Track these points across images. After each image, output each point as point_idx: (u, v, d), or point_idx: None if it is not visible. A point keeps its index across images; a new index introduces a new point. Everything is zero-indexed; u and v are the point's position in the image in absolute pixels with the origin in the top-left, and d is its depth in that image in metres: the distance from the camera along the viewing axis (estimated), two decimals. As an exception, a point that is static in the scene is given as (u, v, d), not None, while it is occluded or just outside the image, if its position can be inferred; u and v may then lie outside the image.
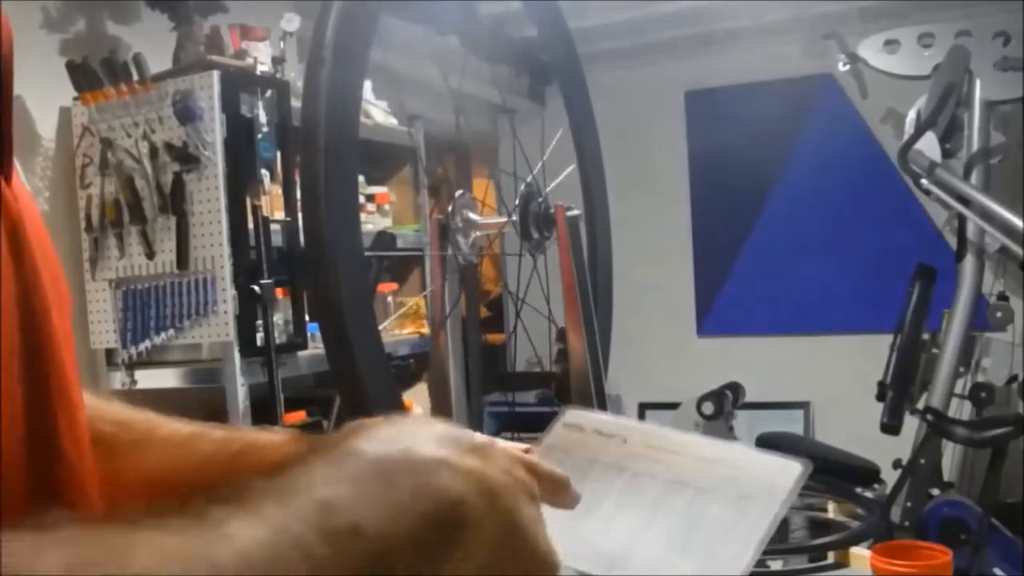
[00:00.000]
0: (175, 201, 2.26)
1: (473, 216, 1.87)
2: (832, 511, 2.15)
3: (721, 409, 2.52)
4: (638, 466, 0.57)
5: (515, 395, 3.42)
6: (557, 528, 0.47)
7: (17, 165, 0.50)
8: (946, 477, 2.69)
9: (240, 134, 2.26)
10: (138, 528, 0.32)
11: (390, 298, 2.99)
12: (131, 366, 2.31)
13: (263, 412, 2.29)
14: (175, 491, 0.37)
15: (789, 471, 0.56)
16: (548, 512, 0.48)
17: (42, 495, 0.39)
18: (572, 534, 0.52)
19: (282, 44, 2.54)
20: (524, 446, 0.62)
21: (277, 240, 2.36)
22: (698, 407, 2.54)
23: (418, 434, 0.41)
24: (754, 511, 0.53)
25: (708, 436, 0.60)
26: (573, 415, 0.63)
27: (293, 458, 0.38)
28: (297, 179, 1.91)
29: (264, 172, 2.32)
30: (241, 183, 2.26)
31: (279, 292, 2.36)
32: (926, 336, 2.86)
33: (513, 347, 1.97)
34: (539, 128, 2.06)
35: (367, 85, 2.77)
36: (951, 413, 2.75)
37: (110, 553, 0.31)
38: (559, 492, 0.52)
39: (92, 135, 2.33)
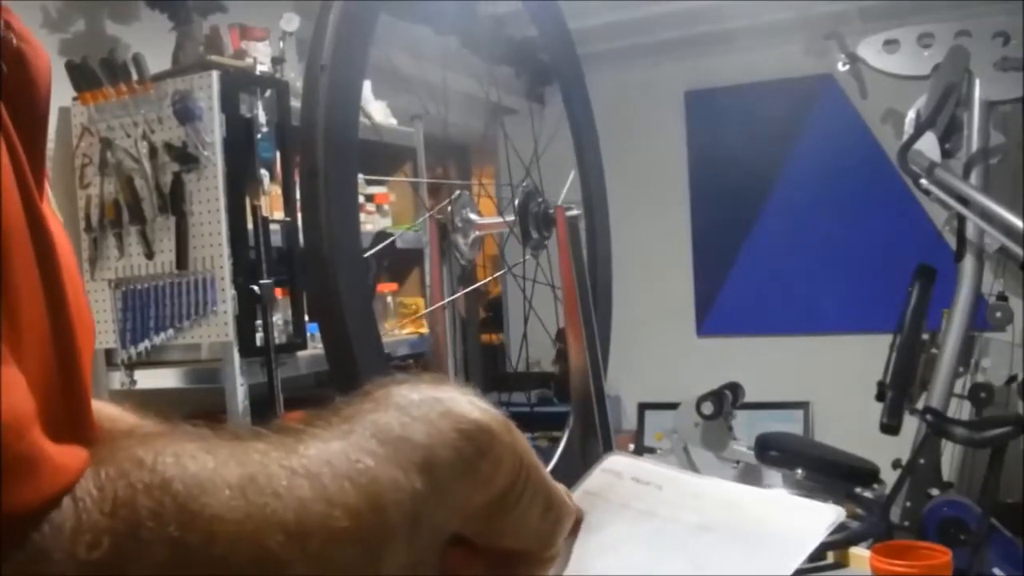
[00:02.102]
0: (174, 201, 2.26)
1: (472, 216, 1.87)
2: (832, 511, 2.14)
3: (721, 409, 2.52)
4: (668, 512, 0.57)
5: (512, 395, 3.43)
6: (571, 568, 0.49)
7: (49, 192, 0.50)
8: (946, 477, 2.69)
9: (239, 134, 2.26)
10: (231, 440, 0.38)
11: (390, 298, 2.99)
12: (130, 366, 2.31)
13: (263, 412, 2.29)
14: None
15: (820, 516, 0.55)
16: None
17: None
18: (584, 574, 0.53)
19: (281, 44, 2.54)
20: None
21: (277, 240, 2.36)
22: (698, 407, 2.53)
23: (442, 384, 0.47)
24: (776, 554, 0.52)
25: (750, 486, 0.60)
26: (613, 461, 0.62)
27: (341, 402, 0.45)
28: (297, 179, 1.91)
29: (264, 172, 2.32)
30: (240, 183, 2.26)
31: (278, 292, 2.35)
32: (926, 336, 2.86)
33: (523, 348, 1.96)
34: (538, 128, 2.05)
35: (367, 85, 2.77)
36: (951, 413, 2.74)
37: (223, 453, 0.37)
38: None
39: (91, 135, 2.33)
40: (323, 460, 0.39)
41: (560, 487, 0.50)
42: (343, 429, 0.41)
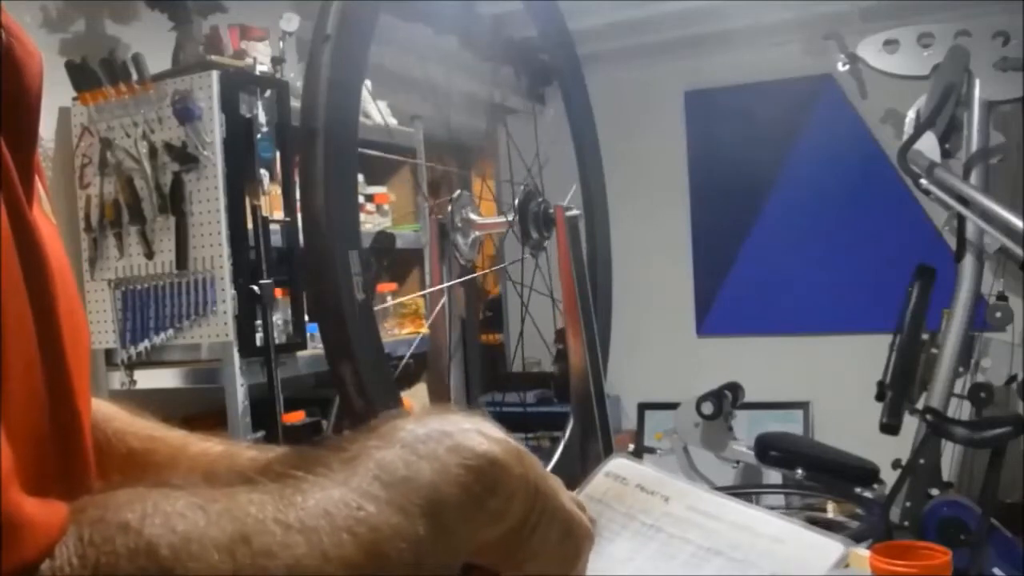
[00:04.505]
0: (174, 201, 2.26)
1: (472, 216, 1.87)
2: (832, 511, 2.15)
3: (720, 409, 2.52)
4: (675, 529, 0.56)
5: (511, 395, 3.43)
6: None
7: (42, 193, 0.49)
8: (945, 477, 2.69)
9: (239, 134, 2.26)
10: (227, 491, 0.38)
11: (390, 298, 2.99)
12: (130, 366, 2.31)
13: (263, 412, 2.29)
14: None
15: (829, 550, 0.54)
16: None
17: None
18: None
19: (281, 44, 2.54)
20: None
21: (276, 240, 2.36)
22: (697, 407, 2.54)
23: (449, 415, 0.46)
24: None
25: (752, 505, 0.59)
26: (617, 465, 0.62)
27: (345, 439, 0.44)
28: (297, 179, 1.91)
29: (263, 172, 2.32)
30: (240, 183, 2.26)
31: (278, 292, 2.35)
32: (926, 336, 2.86)
33: (518, 348, 1.97)
34: (539, 128, 2.06)
35: (367, 85, 2.77)
36: (951, 413, 2.74)
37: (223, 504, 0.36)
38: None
39: (91, 135, 2.33)
40: (321, 511, 0.38)
41: (578, 507, 0.49)
42: (346, 472, 0.40)
